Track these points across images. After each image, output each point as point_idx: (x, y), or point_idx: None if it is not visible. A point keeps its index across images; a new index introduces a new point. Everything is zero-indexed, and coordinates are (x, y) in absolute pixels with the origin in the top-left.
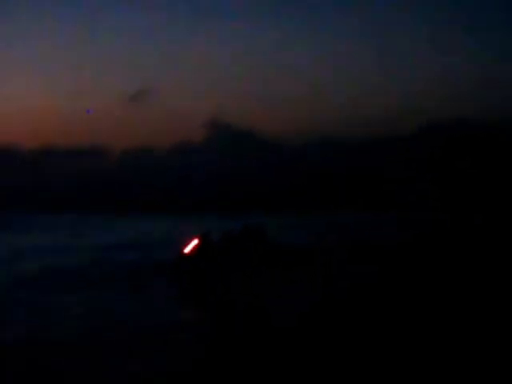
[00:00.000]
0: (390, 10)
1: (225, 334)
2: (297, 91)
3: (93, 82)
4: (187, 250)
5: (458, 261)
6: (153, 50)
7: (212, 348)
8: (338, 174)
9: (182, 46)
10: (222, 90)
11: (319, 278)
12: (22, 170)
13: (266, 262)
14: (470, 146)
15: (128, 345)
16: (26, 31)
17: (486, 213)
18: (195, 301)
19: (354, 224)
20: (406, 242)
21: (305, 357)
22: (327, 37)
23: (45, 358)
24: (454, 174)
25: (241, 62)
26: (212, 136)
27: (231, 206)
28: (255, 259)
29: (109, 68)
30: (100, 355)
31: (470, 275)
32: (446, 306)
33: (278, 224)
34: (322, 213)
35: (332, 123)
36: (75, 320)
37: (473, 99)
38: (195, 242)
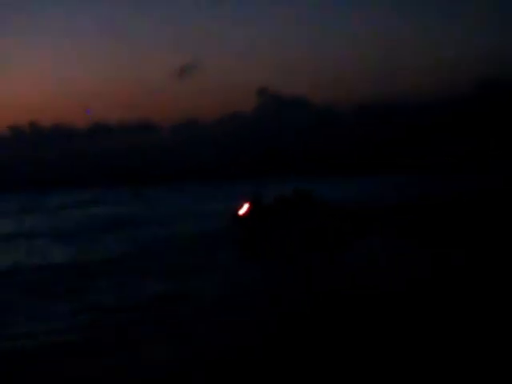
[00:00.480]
0: None
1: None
2: (346, 58)
3: (141, 57)
4: (241, 213)
5: None
6: (201, 23)
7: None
8: (387, 136)
9: (230, 18)
10: (271, 60)
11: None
12: (78, 147)
13: (315, 225)
14: None
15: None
16: (72, 6)
17: None
18: (252, 260)
19: (404, 184)
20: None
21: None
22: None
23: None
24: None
25: (289, 31)
26: (263, 105)
27: (282, 170)
28: (304, 221)
29: (157, 43)
30: None
31: None
32: None
33: (330, 187)
34: (371, 174)
35: (381, 88)
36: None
37: None
38: (247, 205)
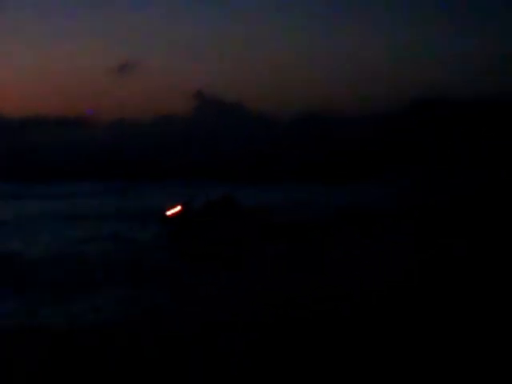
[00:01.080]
0: None
1: None
2: (288, 65)
3: (80, 54)
4: (170, 214)
5: None
6: (140, 22)
7: None
8: (324, 148)
9: (169, 20)
10: (210, 63)
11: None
12: (9, 139)
13: (241, 230)
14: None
15: None
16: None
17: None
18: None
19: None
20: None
21: None
22: (319, 9)
23: None
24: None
25: (228, 35)
26: (200, 108)
27: (214, 176)
28: (228, 225)
29: (96, 40)
30: None
31: None
32: None
33: (264, 196)
34: (306, 185)
35: (321, 98)
36: None
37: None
38: (178, 208)
